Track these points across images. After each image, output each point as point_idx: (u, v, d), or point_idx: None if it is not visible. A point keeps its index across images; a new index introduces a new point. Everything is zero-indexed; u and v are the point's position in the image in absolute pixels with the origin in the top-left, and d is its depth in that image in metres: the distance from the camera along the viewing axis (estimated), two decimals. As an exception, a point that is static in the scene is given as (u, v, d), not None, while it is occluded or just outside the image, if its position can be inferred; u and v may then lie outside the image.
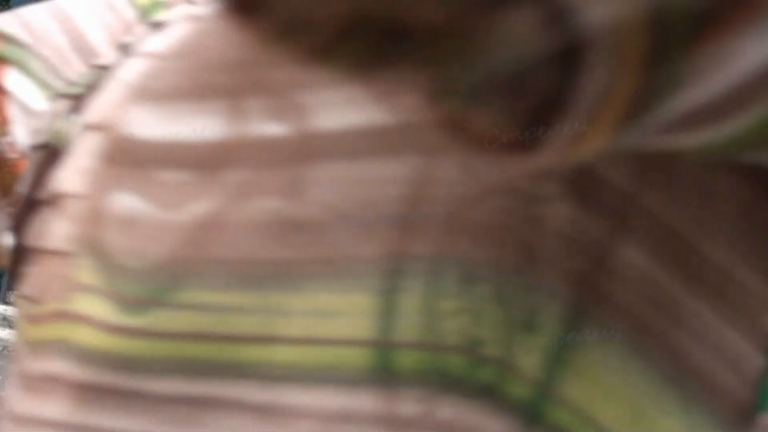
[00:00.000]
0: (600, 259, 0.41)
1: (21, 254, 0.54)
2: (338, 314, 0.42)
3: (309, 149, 0.45)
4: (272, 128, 0.46)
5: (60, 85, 0.56)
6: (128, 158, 0.50)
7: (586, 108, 0.27)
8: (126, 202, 0.49)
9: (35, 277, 0.53)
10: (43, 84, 0.57)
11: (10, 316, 10.92)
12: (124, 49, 0.52)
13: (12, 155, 0.58)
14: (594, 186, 0.41)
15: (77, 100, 0.53)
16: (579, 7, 0.24)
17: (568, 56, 0.26)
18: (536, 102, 0.27)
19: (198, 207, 0.46)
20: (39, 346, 0.51)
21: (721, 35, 0.26)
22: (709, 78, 0.27)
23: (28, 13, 0.60)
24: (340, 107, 0.44)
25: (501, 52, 0.26)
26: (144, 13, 0.56)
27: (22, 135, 0.57)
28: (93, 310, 0.48)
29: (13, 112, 0.57)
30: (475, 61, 0.26)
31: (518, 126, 0.28)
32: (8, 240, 0.54)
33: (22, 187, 0.55)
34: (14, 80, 0.57)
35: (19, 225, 0.54)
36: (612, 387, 0.41)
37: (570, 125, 0.28)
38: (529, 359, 0.41)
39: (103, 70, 0.53)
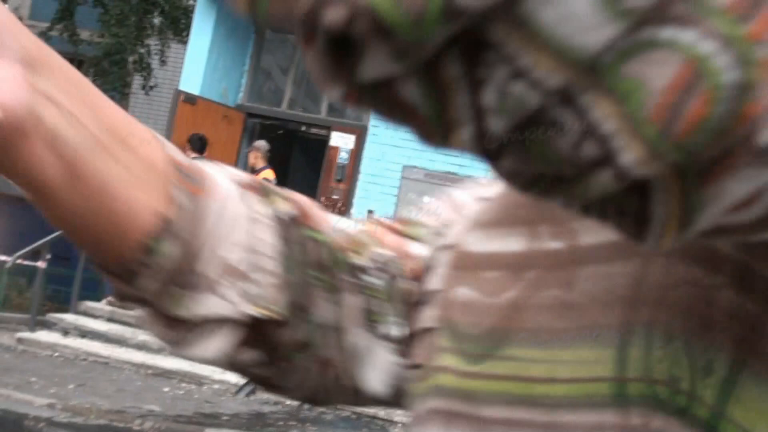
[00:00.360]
0: (754, 325, 0.59)
1: (411, 337, 0.80)
2: (592, 362, 0.63)
3: (578, 257, 0.68)
4: (554, 244, 0.70)
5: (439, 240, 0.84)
6: (466, 264, 0.76)
7: (661, 220, 0.44)
8: (465, 292, 0.75)
9: (419, 348, 0.78)
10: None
11: (81, 325, 10.99)
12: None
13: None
14: (750, 277, 0.59)
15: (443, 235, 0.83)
16: (618, 153, 0.40)
17: (639, 189, 0.43)
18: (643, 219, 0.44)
19: (508, 294, 0.71)
20: (424, 393, 0.75)
21: (717, 177, 0.42)
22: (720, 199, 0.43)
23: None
24: (595, 230, 0.67)
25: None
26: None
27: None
28: (450, 362, 0.73)
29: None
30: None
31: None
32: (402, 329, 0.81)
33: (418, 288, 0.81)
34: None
35: (412, 313, 0.81)
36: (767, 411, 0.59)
37: (655, 231, 0.44)
38: (708, 392, 0.59)
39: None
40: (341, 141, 12.43)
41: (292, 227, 0.79)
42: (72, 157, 0.66)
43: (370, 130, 12.39)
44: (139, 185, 0.71)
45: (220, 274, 0.74)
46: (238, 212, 0.76)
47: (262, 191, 0.80)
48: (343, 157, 12.40)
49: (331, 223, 0.82)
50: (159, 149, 0.73)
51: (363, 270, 0.80)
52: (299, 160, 15.08)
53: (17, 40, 0.63)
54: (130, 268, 0.72)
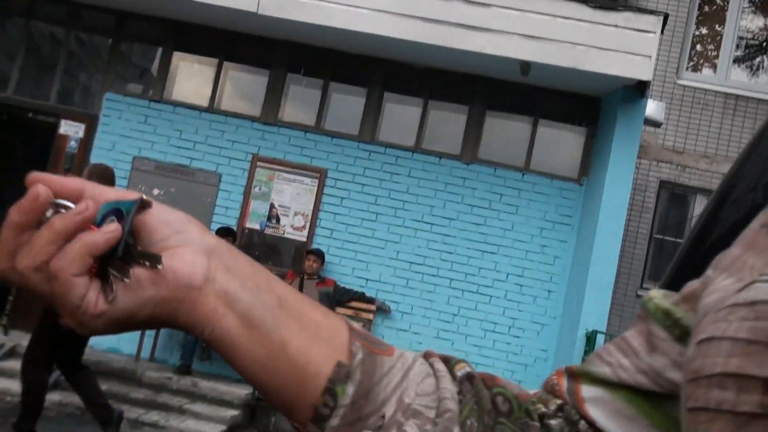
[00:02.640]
0: None
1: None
2: None
3: None
4: None
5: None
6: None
7: None
8: None
9: None
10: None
11: None
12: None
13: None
14: None
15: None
16: None
17: None
18: None
19: None
20: None
21: None
22: None
23: None
24: None
25: None
26: None
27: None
28: None
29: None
30: None
31: None
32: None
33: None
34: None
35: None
36: None
37: None
38: None
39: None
40: (70, 129, 12.21)
41: (478, 384, 0.95)
42: (246, 310, 0.89)
43: (101, 120, 12.25)
44: (317, 341, 0.91)
45: (407, 417, 0.90)
46: (422, 369, 0.94)
47: (445, 358, 0.98)
48: (72, 146, 12.18)
49: (515, 384, 0.99)
50: (335, 317, 0.94)
51: (546, 416, 0.95)
52: (24, 148, 14.65)
53: (202, 236, 0.91)
54: (320, 412, 0.89)
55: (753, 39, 15.82)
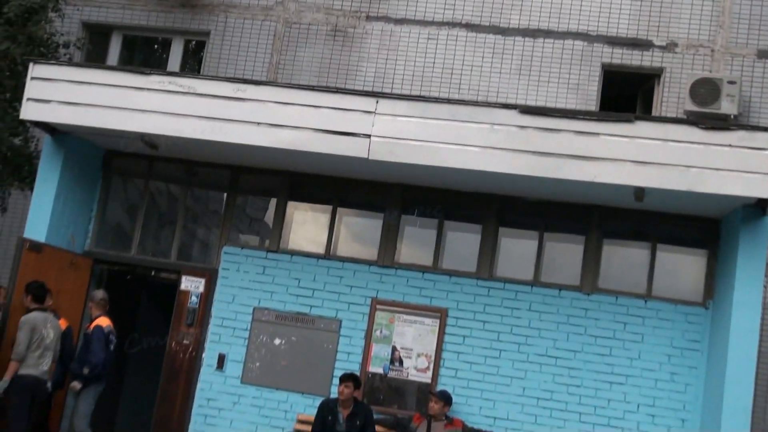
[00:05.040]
0: None
1: None
2: None
3: None
4: None
5: None
6: None
7: None
8: None
9: None
10: None
11: None
12: None
13: None
14: None
15: None
16: None
17: None
18: None
19: None
20: None
21: None
22: None
23: None
24: None
25: None
26: None
27: None
28: None
29: None
30: None
31: None
32: None
33: None
34: None
35: None
36: None
37: None
38: None
39: None
40: (191, 285, 12.42)
41: None
42: None
43: (221, 273, 12.44)
44: None
45: None
46: None
47: None
48: (193, 301, 12.38)
49: None
50: None
51: None
52: (149, 305, 14.95)
53: None
54: None
55: None
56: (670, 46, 15.36)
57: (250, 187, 12.96)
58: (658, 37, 15.42)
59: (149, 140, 12.03)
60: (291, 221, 12.78)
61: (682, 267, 11.99)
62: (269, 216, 12.86)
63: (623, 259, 12.10)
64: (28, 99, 12.06)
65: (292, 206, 12.77)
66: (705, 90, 14.28)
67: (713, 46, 15.26)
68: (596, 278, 11.92)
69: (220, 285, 12.41)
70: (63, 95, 11.96)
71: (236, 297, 12.34)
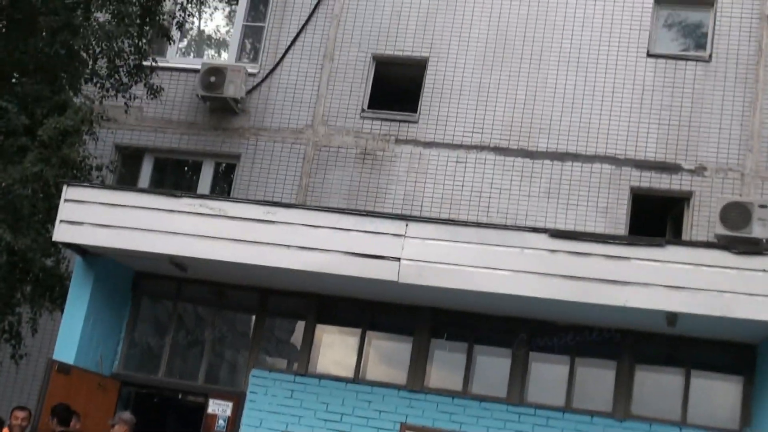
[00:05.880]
0: None
1: None
2: None
3: None
4: None
5: None
6: None
7: None
8: None
9: None
10: None
11: None
12: None
13: None
14: None
15: None
16: None
17: None
18: None
19: None
20: None
21: None
22: None
23: None
24: None
25: None
26: None
27: None
28: None
29: None
30: None
31: None
32: None
33: None
34: None
35: None
36: None
37: None
38: None
39: None
40: (218, 408, 12.33)
41: None
42: None
43: (249, 397, 12.34)
44: None
45: None
46: None
47: None
48: (220, 425, 12.27)
49: None
50: None
51: None
52: (175, 427, 14.81)
53: None
54: None
55: None
56: (698, 170, 15.41)
57: (279, 310, 12.94)
58: (687, 161, 15.49)
59: (178, 262, 12.08)
60: (319, 344, 12.72)
61: (718, 393, 11.82)
62: (297, 339, 12.80)
63: (656, 384, 11.94)
64: (61, 221, 12.17)
65: (320, 329, 12.72)
66: (736, 214, 14.25)
67: (743, 170, 15.29)
68: (629, 404, 11.75)
69: (247, 409, 12.29)
70: (95, 217, 12.07)
71: (264, 421, 12.21)
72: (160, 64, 16.76)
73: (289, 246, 11.62)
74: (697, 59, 16.54)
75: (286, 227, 11.74)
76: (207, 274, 12.66)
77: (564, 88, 16.51)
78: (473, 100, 16.63)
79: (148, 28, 15.67)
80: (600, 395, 11.89)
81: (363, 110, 16.98)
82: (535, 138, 16.09)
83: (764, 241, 14.05)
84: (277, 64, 17.61)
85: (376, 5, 17.72)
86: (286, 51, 17.68)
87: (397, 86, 17.25)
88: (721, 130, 15.57)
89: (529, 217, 15.37)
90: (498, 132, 16.24)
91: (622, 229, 15.22)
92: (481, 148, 16.18)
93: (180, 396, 12.99)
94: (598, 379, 12.02)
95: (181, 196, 12.15)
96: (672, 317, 10.90)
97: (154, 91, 15.94)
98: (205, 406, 12.45)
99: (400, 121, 16.73)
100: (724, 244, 12.21)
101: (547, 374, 12.17)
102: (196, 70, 17.20)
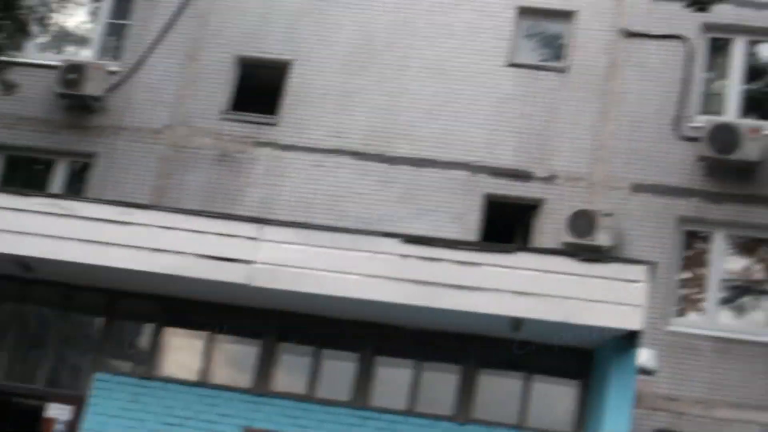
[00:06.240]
0: None
1: None
2: None
3: None
4: None
5: None
6: None
7: None
8: None
9: None
10: None
11: None
12: None
13: None
14: None
15: None
16: None
17: None
18: None
19: None
20: None
21: None
22: None
23: None
24: None
25: None
26: None
27: None
28: None
29: None
30: None
31: None
32: None
33: None
34: None
35: None
36: None
37: None
38: None
39: None
40: (57, 412, 12.10)
41: None
42: None
43: (91, 401, 12.13)
44: None
45: None
46: None
47: None
48: (58, 429, 12.03)
49: None
50: None
51: None
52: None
53: None
54: None
55: (737, 280, 15.91)
56: (550, 178, 15.72)
57: (127, 313, 12.74)
58: (540, 169, 15.79)
59: (24, 262, 11.85)
60: (167, 348, 12.57)
61: (555, 398, 12.04)
62: (145, 342, 12.65)
63: (499, 389, 12.11)
64: None
65: (168, 332, 12.56)
66: (582, 222, 14.60)
67: (591, 179, 15.65)
68: (471, 408, 11.89)
69: (89, 412, 12.08)
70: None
71: (106, 425, 11.96)
72: (18, 60, 16.43)
73: (141, 248, 11.50)
74: (554, 69, 16.87)
75: (140, 228, 11.62)
76: (54, 275, 12.41)
77: (425, 95, 16.68)
78: (335, 104, 16.72)
79: (5, 22, 15.36)
80: (444, 399, 12.00)
81: (224, 112, 16.90)
82: (394, 144, 16.23)
83: (607, 249, 14.41)
84: (140, 62, 17.42)
85: (242, 7, 17.68)
86: (150, 50, 17.49)
87: (261, 88, 17.22)
88: (573, 140, 15.92)
89: (385, 222, 15.47)
90: (358, 137, 16.33)
91: (474, 236, 15.43)
92: (339, 152, 16.26)
93: (14, 400, 12.68)
94: (442, 383, 12.14)
95: (30, 195, 11.94)
96: (517, 323, 11.08)
97: (8, 87, 15.62)
98: (42, 410, 12.19)
99: (260, 123, 16.73)
100: (570, 251, 12.48)
101: (393, 378, 12.24)
102: (55, 67, 16.92)
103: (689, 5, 15.70)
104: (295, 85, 17.04)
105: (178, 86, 17.17)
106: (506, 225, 16.27)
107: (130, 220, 11.66)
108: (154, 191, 16.17)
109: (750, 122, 15.93)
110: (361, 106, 16.69)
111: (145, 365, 12.38)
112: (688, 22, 16.81)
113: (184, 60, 17.42)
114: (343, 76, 17.01)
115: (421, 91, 16.74)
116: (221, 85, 17.09)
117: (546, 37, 17.72)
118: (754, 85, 17.18)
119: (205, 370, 12.29)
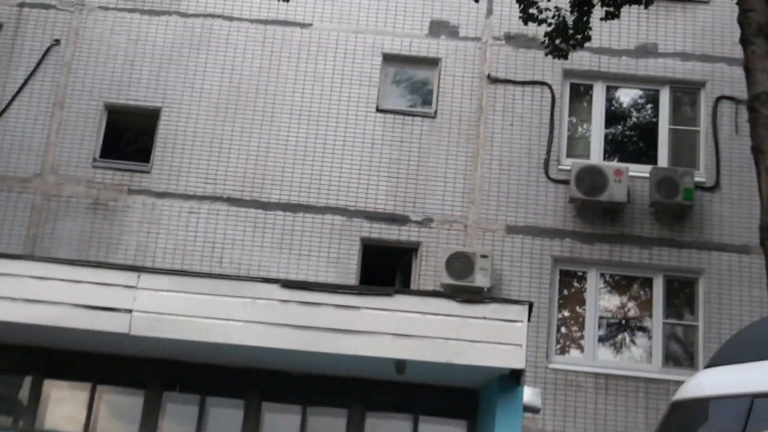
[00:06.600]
0: None
1: None
2: None
3: None
4: None
5: None
6: None
7: None
8: None
9: None
10: None
11: None
12: None
13: None
14: None
15: None
16: None
17: None
18: None
19: None
20: None
21: None
22: None
23: None
24: None
25: None
26: None
27: None
28: None
29: None
30: None
31: None
32: None
33: None
34: None
35: None
36: None
37: None
38: None
39: None
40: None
41: None
42: None
43: None
44: None
45: None
46: None
47: None
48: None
49: None
50: None
51: None
52: None
53: None
54: None
55: (613, 318, 16.45)
56: (425, 221, 16.01)
57: (2, 366, 12.46)
58: (415, 213, 16.07)
59: None
60: (47, 400, 12.32)
61: (444, 438, 12.20)
62: (24, 395, 12.38)
63: (386, 430, 12.21)
64: None
65: (49, 384, 12.31)
66: (460, 263, 14.88)
67: (466, 221, 16.00)
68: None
69: None
70: None
71: None
72: None
73: (14, 299, 11.26)
74: (423, 115, 17.26)
75: (11, 279, 11.37)
76: (-74, 329, 12.08)
77: (296, 140, 16.85)
78: (206, 150, 16.73)
79: None
80: (330, 443, 12.06)
81: (95, 159, 16.76)
82: (267, 189, 16.31)
83: (486, 289, 14.71)
84: (3, 110, 17.12)
85: (108, 54, 17.59)
86: (13, 98, 17.22)
87: (131, 136, 17.12)
88: (446, 183, 16.25)
89: (263, 267, 15.53)
90: (231, 183, 16.36)
91: (353, 279, 15.57)
92: (214, 198, 16.26)
93: None
94: (330, 427, 12.19)
95: None
96: (401, 365, 11.20)
97: None
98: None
99: (132, 171, 16.62)
100: (448, 292, 12.70)
101: (280, 424, 12.24)
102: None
103: (549, 53, 16.23)
104: (164, 131, 16.98)
105: (45, 134, 16.95)
106: (386, 268, 16.45)
107: (2, 271, 11.42)
108: (25, 241, 15.87)
109: (614, 164, 16.47)
110: (233, 151, 16.75)
111: (25, 419, 12.10)
112: (550, 69, 17.35)
113: (51, 107, 17.21)
114: (213, 122, 17.05)
115: (292, 136, 16.91)
116: (90, 132, 16.94)
117: (414, 83, 18.07)
118: (615, 129, 17.81)
119: (89, 421, 12.08)
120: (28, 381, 12.36)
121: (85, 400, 12.22)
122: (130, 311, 11.18)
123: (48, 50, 17.49)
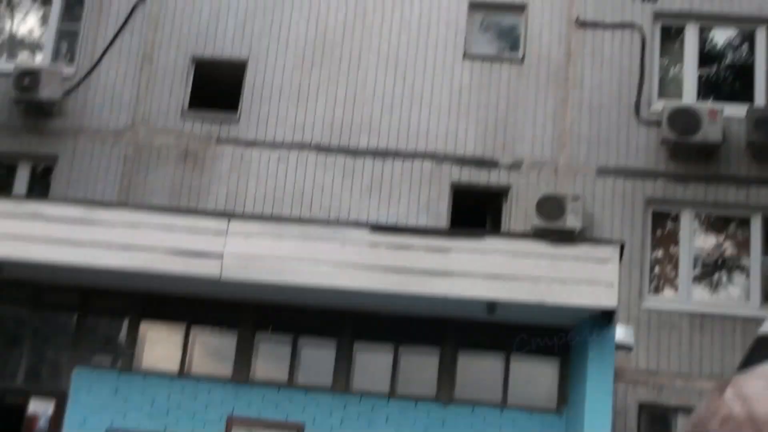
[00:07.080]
0: None
1: None
2: None
3: None
4: None
5: None
6: None
7: None
8: None
9: None
10: None
11: None
12: None
13: None
14: None
15: None
16: None
17: None
18: None
19: None
20: None
21: None
22: None
23: None
24: None
25: None
26: None
27: None
28: None
29: None
30: None
31: None
32: None
33: None
34: None
35: None
36: None
37: None
38: None
39: None
40: (40, 408, 12.02)
41: None
42: None
43: (71, 396, 12.07)
44: None
45: None
46: None
47: None
48: (42, 424, 11.96)
49: None
50: None
51: None
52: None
53: None
54: None
55: (708, 258, 16.18)
56: (515, 165, 15.87)
57: (102, 309, 12.70)
58: (504, 157, 15.93)
59: (-8, 264, 11.75)
60: (144, 341, 12.55)
61: (536, 376, 12.17)
62: (122, 337, 12.61)
63: (479, 370, 12.22)
64: None
65: (145, 326, 12.54)
66: (550, 206, 14.74)
67: (556, 165, 15.83)
68: (452, 389, 11.98)
69: (70, 407, 12.03)
70: None
71: (88, 419, 11.95)
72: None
73: (110, 246, 11.44)
74: (511, 61, 17.03)
75: (106, 227, 11.56)
76: (24, 276, 12.33)
77: (384, 88, 16.77)
78: (294, 99, 16.74)
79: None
80: (424, 382, 12.08)
81: (184, 111, 16.87)
82: (356, 136, 16.29)
83: (576, 231, 14.57)
84: (94, 66, 17.32)
85: (194, 7, 17.64)
86: (104, 53, 17.41)
87: (218, 87, 17.22)
88: (535, 127, 16.08)
89: (352, 213, 15.54)
90: (319, 131, 16.36)
91: (443, 224, 15.53)
92: (302, 146, 16.28)
93: (-1, 397, 12.59)
94: (422, 366, 12.23)
95: (-6, 199, 11.84)
96: (491, 306, 11.17)
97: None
98: (25, 406, 12.13)
99: (221, 121, 16.70)
100: (539, 234, 12.61)
101: (372, 363, 12.31)
102: (8, 74, 16.79)
103: (639, -4, 15.95)
104: (251, 82, 17.05)
105: (135, 87, 17.10)
106: (475, 213, 16.39)
107: (97, 219, 11.61)
108: (119, 191, 16.09)
109: (708, 105, 16.15)
110: (320, 100, 16.74)
111: (123, 359, 12.34)
112: (639, 11, 17.06)
113: (140, 61, 17.35)
114: (299, 72, 17.04)
115: (379, 84, 16.82)
116: (179, 85, 17.06)
117: (501, 29, 17.89)
118: (708, 69, 17.46)
119: (185, 361, 12.27)
120: (125, 323, 12.60)
121: (180, 341, 12.42)
122: (221, 256, 11.28)
123: (135, 6, 17.61)
